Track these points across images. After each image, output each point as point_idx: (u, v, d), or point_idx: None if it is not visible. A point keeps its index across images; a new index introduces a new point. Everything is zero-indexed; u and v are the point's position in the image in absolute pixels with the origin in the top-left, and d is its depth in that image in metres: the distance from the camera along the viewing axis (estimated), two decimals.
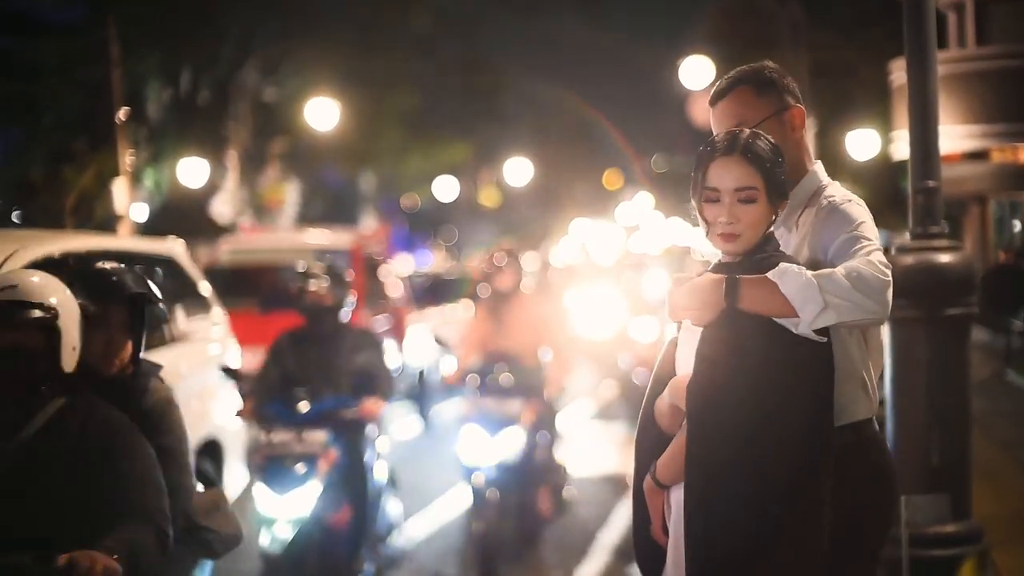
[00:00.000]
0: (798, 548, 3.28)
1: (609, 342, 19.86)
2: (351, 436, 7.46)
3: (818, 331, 3.31)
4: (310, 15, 31.13)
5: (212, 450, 8.41)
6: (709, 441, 3.32)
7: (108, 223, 20.63)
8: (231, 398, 8.18)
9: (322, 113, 28.23)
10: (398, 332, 16.01)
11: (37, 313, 3.83)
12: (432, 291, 22.12)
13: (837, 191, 3.68)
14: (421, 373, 16.73)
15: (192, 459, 7.78)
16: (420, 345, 16.80)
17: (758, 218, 3.43)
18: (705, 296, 3.39)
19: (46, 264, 6.78)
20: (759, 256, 3.45)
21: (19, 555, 3.59)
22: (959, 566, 6.14)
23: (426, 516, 10.17)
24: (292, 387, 7.42)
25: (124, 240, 9.60)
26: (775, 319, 3.32)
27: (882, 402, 6.46)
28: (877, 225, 3.61)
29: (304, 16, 30.89)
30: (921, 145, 6.37)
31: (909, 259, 6.31)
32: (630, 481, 3.83)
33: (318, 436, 7.22)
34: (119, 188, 20.15)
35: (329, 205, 38.67)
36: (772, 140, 3.52)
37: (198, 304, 9.09)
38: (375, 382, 7.51)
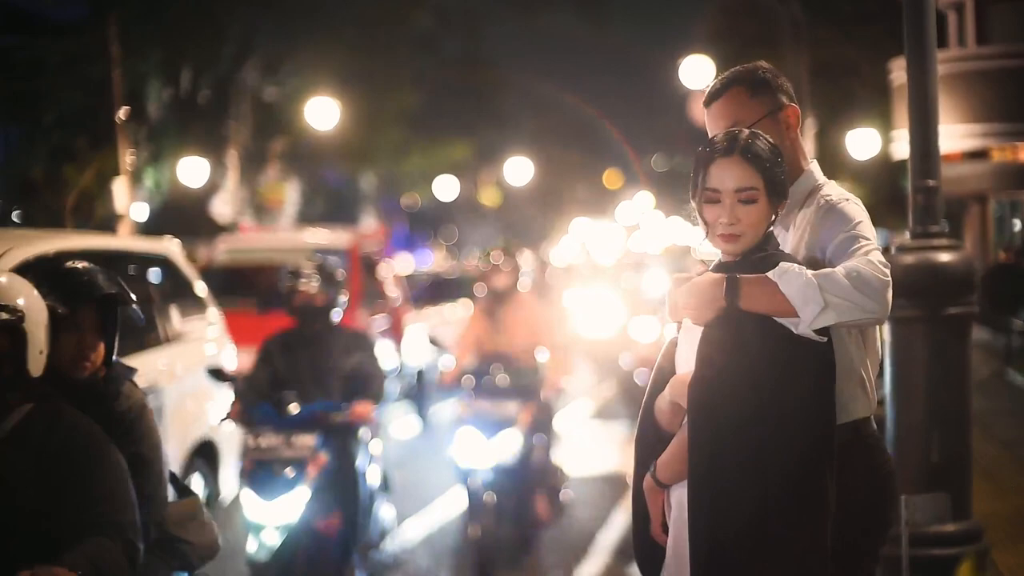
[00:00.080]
0: (802, 544, 3.29)
1: (609, 341, 19.88)
2: (342, 440, 7.27)
3: (818, 330, 3.32)
4: (310, 14, 31.11)
5: (207, 451, 8.40)
6: (711, 440, 3.33)
7: (108, 222, 20.64)
8: (222, 400, 8.06)
9: (322, 112, 28.23)
10: (396, 332, 15.96)
11: (2, 316, 3.69)
12: (432, 291, 22.11)
13: (833, 190, 3.68)
14: (419, 373, 16.70)
15: (173, 466, 7.78)
16: (418, 345, 16.78)
17: (759, 218, 3.44)
18: (705, 295, 3.40)
19: (39, 264, 6.70)
20: (759, 255, 3.45)
21: None
22: (958, 565, 6.14)
23: (422, 519, 10.07)
24: (281, 389, 7.22)
25: (118, 240, 9.56)
26: (775, 318, 3.32)
27: (882, 401, 6.49)
28: (877, 224, 3.62)
29: (305, 15, 30.88)
30: (921, 144, 6.38)
31: (909, 258, 6.32)
32: (630, 480, 3.83)
33: (307, 440, 7.02)
34: (119, 187, 20.17)
35: (329, 205, 38.67)
36: (771, 140, 3.52)
37: (194, 304, 9.03)
38: (367, 384, 7.33)
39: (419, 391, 16.52)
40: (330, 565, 7.20)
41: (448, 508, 10.31)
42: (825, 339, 3.34)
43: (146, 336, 7.99)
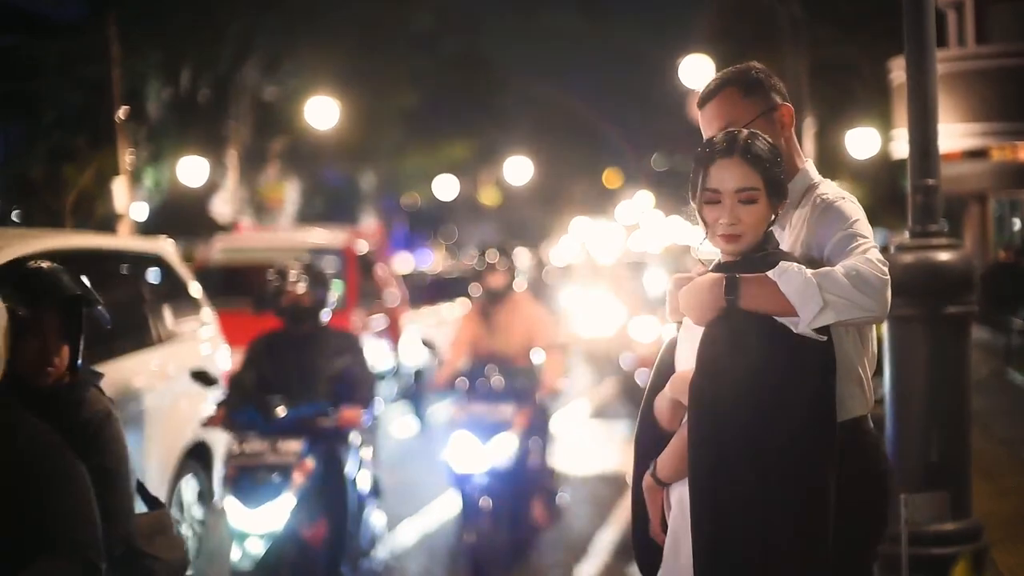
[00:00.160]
0: (804, 541, 3.30)
1: (608, 341, 19.87)
2: (330, 445, 7.08)
3: (819, 329, 3.32)
4: (310, 14, 31.11)
5: (201, 453, 8.35)
6: (712, 438, 3.34)
7: (108, 222, 20.62)
8: (207, 404, 7.90)
9: (322, 112, 28.22)
10: (393, 332, 15.89)
11: None
12: (431, 290, 22.08)
13: (829, 189, 3.69)
14: (417, 373, 16.66)
15: (167, 467, 7.71)
16: (416, 345, 16.73)
17: (759, 218, 3.45)
18: (706, 295, 3.41)
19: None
20: (759, 254, 3.46)
21: None
22: (954, 564, 6.14)
23: (417, 522, 9.94)
24: (268, 393, 7.02)
25: (111, 239, 9.53)
26: (776, 318, 3.32)
27: (881, 400, 6.49)
28: (876, 224, 3.63)
29: (304, 15, 30.88)
30: (920, 143, 6.38)
31: (908, 257, 6.32)
32: (629, 480, 3.84)
33: (293, 445, 6.83)
34: (119, 187, 20.14)
35: (329, 204, 38.66)
36: (770, 140, 3.53)
37: (187, 304, 8.95)
38: (356, 388, 7.17)
39: (417, 391, 16.47)
40: (317, 574, 7.00)
41: (443, 511, 10.16)
42: (825, 338, 3.35)
43: (139, 336, 7.97)
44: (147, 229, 22.78)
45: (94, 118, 21.33)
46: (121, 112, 20.13)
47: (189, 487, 8.25)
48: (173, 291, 8.80)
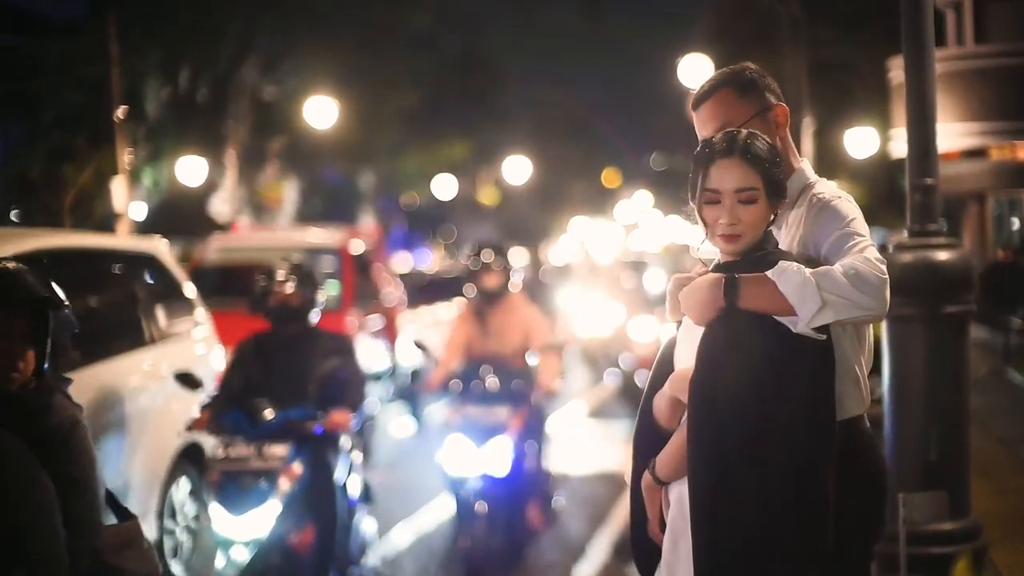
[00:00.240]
0: (804, 540, 3.31)
1: (606, 341, 19.85)
2: (317, 449, 6.88)
3: (818, 328, 3.33)
4: (309, 13, 31.11)
5: (195, 455, 8.27)
6: (711, 437, 3.35)
7: (107, 221, 20.63)
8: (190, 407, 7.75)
9: (321, 111, 28.21)
10: (390, 332, 15.82)
11: None
12: (429, 290, 22.04)
13: (825, 188, 3.70)
14: (414, 373, 16.62)
15: (159, 470, 7.63)
16: (408, 346, 16.63)
17: (758, 218, 3.46)
18: (705, 295, 3.42)
19: (21, 262, 6.76)
20: (758, 254, 3.47)
21: None
22: (954, 563, 6.15)
23: (411, 525, 9.80)
24: (255, 396, 6.84)
25: (103, 238, 9.43)
26: (775, 317, 3.33)
27: (880, 400, 6.50)
28: (875, 223, 3.64)
29: (303, 14, 30.87)
30: (919, 143, 6.38)
31: (907, 257, 6.32)
32: (628, 479, 3.84)
33: (279, 450, 6.65)
34: (118, 186, 20.15)
35: (328, 203, 38.66)
36: (768, 140, 3.54)
37: (181, 304, 8.86)
38: (345, 391, 6.96)
39: (413, 391, 16.44)
40: None
41: (438, 513, 10.03)
42: (824, 336, 3.36)
43: (131, 337, 7.91)
44: (146, 228, 22.77)
45: (93, 118, 21.34)
46: (120, 112, 20.14)
47: (183, 489, 8.19)
48: (166, 291, 8.71)
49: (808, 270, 3.33)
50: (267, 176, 33.05)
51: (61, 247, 7.39)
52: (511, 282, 9.14)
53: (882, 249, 3.66)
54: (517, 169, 53.48)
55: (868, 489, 3.62)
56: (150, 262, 8.65)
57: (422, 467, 11.95)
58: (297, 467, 6.71)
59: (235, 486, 6.56)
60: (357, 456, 7.48)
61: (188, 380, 7.13)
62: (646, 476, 3.64)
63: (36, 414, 3.90)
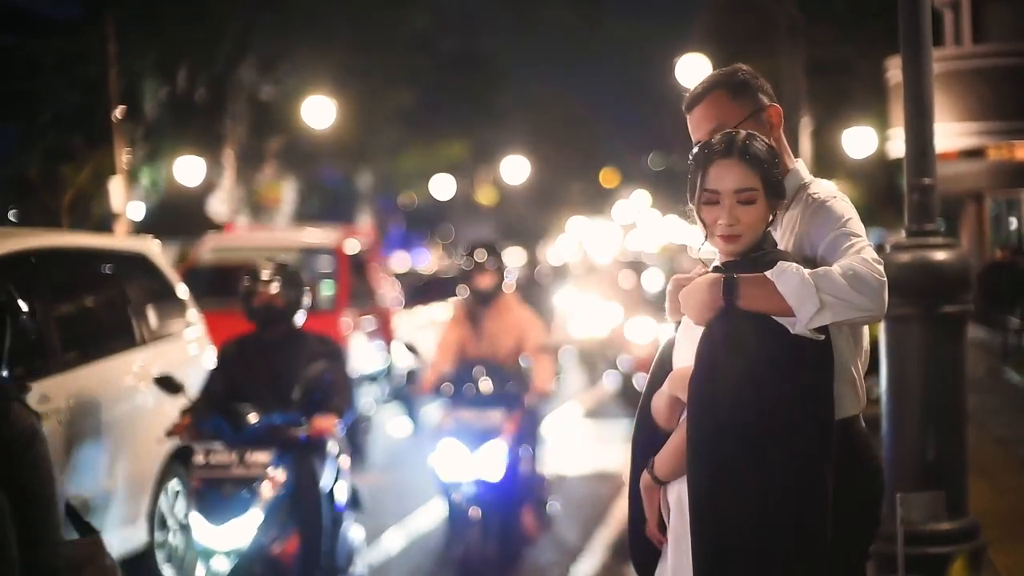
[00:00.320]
0: (803, 539, 3.32)
1: (602, 341, 19.84)
2: (302, 456, 6.63)
3: (817, 328, 3.34)
4: (307, 13, 31.11)
5: (186, 457, 8.04)
6: (710, 436, 3.35)
7: (105, 221, 20.63)
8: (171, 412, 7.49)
9: (319, 111, 28.21)
10: (385, 332, 15.72)
11: None
12: (426, 290, 21.99)
13: (820, 188, 3.70)
14: (410, 374, 16.56)
15: (151, 472, 7.52)
16: (399, 348, 16.46)
17: (757, 218, 3.46)
18: (704, 295, 3.42)
19: (9, 262, 6.60)
20: (757, 254, 3.47)
21: None
22: (950, 563, 6.15)
23: (403, 529, 9.68)
24: (237, 400, 6.63)
25: (93, 238, 9.30)
26: (774, 317, 3.34)
27: (877, 399, 6.50)
28: (873, 223, 3.64)
29: (301, 14, 30.88)
30: (917, 142, 6.38)
31: (905, 256, 6.32)
32: (626, 479, 3.85)
33: (262, 457, 6.42)
34: (116, 186, 20.16)
35: (326, 203, 38.67)
36: (767, 140, 3.54)
37: (173, 304, 8.74)
38: (331, 395, 6.73)
39: (409, 392, 16.37)
40: None
41: (431, 516, 9.90)
42: (823, 337, 3.37)
43: (122, 337, 7.83)
44: (144, 228, 22.76)
45: (91, 117, 21.37)
46: (118, 111, 20.15)
47: (174, 491, 8.09)
48: (158, 291, 8.59)
49: (807, 271, 3.33)
50: (265, 176, 33.06)
51: (50, 247, 7.31)
52: (504, 283, 8.96)
53: (879, 249, 3.67)
54: (515, 169, 53.48)
55: (864, 489, 3.62)
56: (141, 262, 8.53)
57: (417, 469, 11.91)
58: (280, 474, 6.50)
59: (216, 494, 6.35)
60: (345, 461, 7.23)
61: (168, 384, 6.81)
62: (645, 476, 3.64)
63: None
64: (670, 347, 3.71)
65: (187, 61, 27.22)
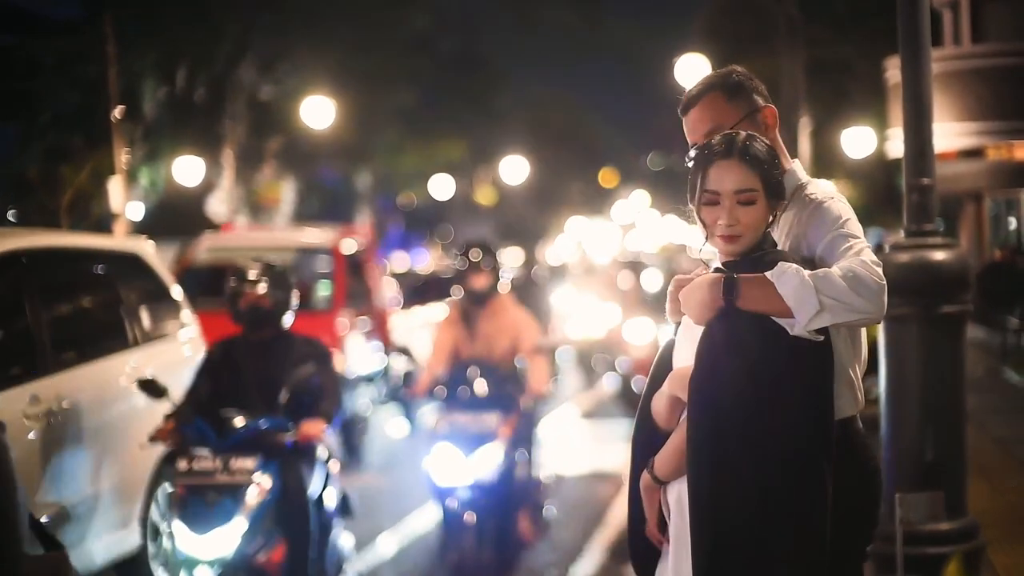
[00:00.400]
0: (803, 539, 3.32)
1: (600, 342, 19.84)
2: (288, 461, 6.45)
3: (817, 329, 3.34)
4: (306, 13, 31.12)
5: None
6: (710, 436, 3.36)
7: (104, 221, 20.64)
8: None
9: (318, 111, 28.22)
10: (382, 333, 15.62)
11: None
12: (425, 290, 21.96)
13: (817, 189, 3.70)
14: (407, 375, 16.48)
15: (144, 475, 7.36)
16: (389, 352, 16.31)
17: (757, 219, 3.47)
18: (705, 295, 3.43)
19: None
20: (756, 255, 3.48)
21: None
22: (946, 563, 6.14)
23: (396, 534, 9.57)
24: (223, 404, 6.48)
25: (85, 238, 9.19)
26: (774, 318, 3.35)
27: (876, 400, 6.50)
28: (872, 223, 3.64)
29: (300, 14, 30.89)
30: (915, 142, 6.38)
31: (903, 256, 6.32)
32: (626, 479, 3.85)
33: (247, 463, 6.23)
34: (115, 186, 20.16)
35: (325, 203, 38.67)
36: (767, 142, 3.55)
37: (167, 305, 8.59)
38: (319, 399, 6.60)
39: (405, 394, 16.25)
40: None
41: (426, 521, 9.75)
42: (822, 338, 3.37)
43: (115, 339, 7.72)
44: (143, 228, 22.78)
45: (90, 117, 21.39)
46: (117, 111, 20.16)
47: (167, 495, 7.85)
48: (152, 292, 8.46)
49: (807, 272, 3.33)
50: (264, 176, 33.06)
51: (41, 247, 7.21)
52: (500, 283, 8.81)
53: (878, 249, 3.67)
54: (514, 169, 53.49)
55: (862, 490, 3.63)
56: (135, 262, 8.40)
57: (413, 471, 11.86)
58: (266, 481, 6.32)
59: (199, 502, 6.18)
60: (335, 466, 7.06)
61: (151, 388, 6.65)
62: (645, 476, 3.64)
63: None
64: (670, 348, 3.72)
65: (186, 61, 27.24)
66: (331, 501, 6.91)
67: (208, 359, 6.88)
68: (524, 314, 8.86)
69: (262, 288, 6.69)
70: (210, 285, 13.21)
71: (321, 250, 14.73)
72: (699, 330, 3.47)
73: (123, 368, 7.56)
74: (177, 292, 8.85)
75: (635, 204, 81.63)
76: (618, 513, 10.09)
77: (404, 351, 9.61)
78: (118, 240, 9.22)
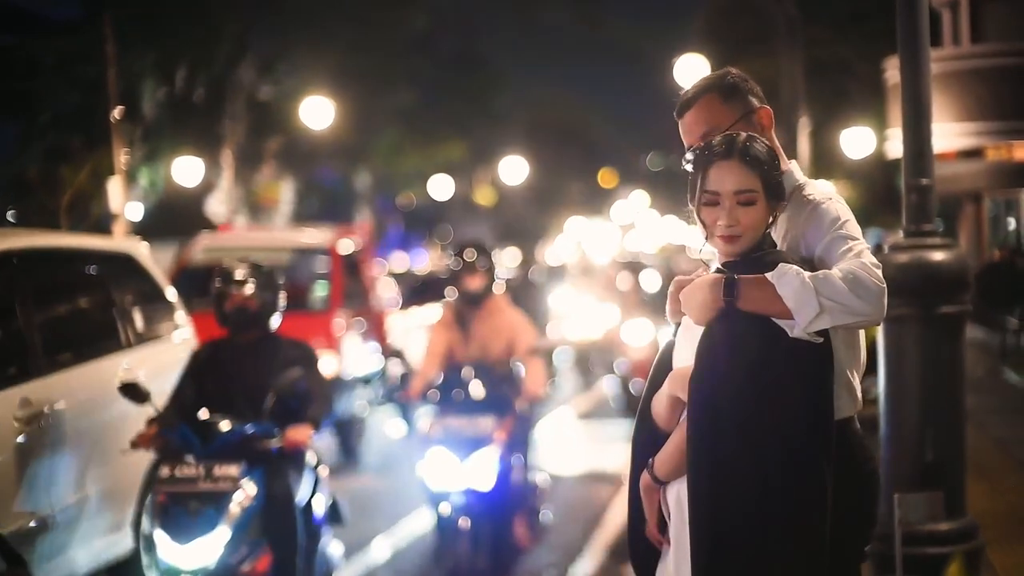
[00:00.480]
0: (802, 540, 3.33)
1: (597, 343, 19.84)
2: (275, 468, 6.26)
3: (816, 331, 3.35)
4: (306, 13, 31.14)
5: None
6: (710, 438, 3.36)
7: (104, 222, 20.63)
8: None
9: (317, 112, 28.23)
10: (379, 333, 15.48)
11: None
12: (424, 290, 21.93)
13: (815, 190, 3.71)
14: (404, 376, 16.41)
15: (136, 477, 7.25)
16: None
17: (757, 219, 3.48)
18: (705, 295, 3.44)
19: None
20: (756, 255, 3.48)
21: None
22: (947, 564, 6.14)
23: (390, 538, 9.51)
24: (207, 409, 6.29)
25: (76, 238, 9.07)
26: (774, 319, 3.35)
27: (875, 400, 6.50)
28: (871, 223, 3.64)
29: (300, 14, 30.91)
30: (914, 143, 6.38)
31: (902, 257, 6.32)
32: (626, 480, 3.85)
33: (231, 470, 6.03)
34: (114, 187, 20.15)
35: (324, 204, 38.68)
36: (767, 142, 3.56)
37: (160, 306, 8.50)
38: (306, 404, 6.40)
39: (400, 398, 16.15)
40: None
41: (421, 525, 9.65)
42: (822, 339, 3.37)
43: (107, 340, 7.62)
44: (142, 229, 22.76)
45: (90, 118, 21.38)
46: (117, 112, 20.15)
47: (149, 503, 7.94)
48: (145, 293, 8.35)
49: (808, 274, 3.34)
50: (263, 176, 33.08)
51: (32, 247, 7.15)
52: (495, 284, 8.62)
53: (878, 249, 3.67)
54: (513, 169, 53.50)
55: (860, 490, 3.63)
56: (127, 263, 8.29)
57: (411, 473, 11.83)
58: (251, 488, 6.12)
59: (181, 510, 5.97)
60: (324, 471, 6.86)
61: (133, 391, 6.36)
62: (645, 476, 3.65)
63: None
64: (670, 348, 3.72)
65: (186, 61, 27.22)
66: (320, 508, 6.75)
67: (193, 362, 6.69)
68: (519, 315, 8.69)
69: (249, 289, 6.51)
70: (206, 286, 13.13)
71: (317, 250, 14.66)
72: (699, 331, 3.47)
73: (116, 370, 7.37)
74: (171, 293, 8.73)
75: (634, 204, 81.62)
76: (617, 514, 10.09)
77: (397, 354, 9.32)
78: (111, 241, 9.10)
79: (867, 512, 3.69)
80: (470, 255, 8.36)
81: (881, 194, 27.52)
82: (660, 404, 3.62)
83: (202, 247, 14.87)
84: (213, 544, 5.93)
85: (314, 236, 15.70)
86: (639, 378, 14.49)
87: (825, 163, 27.96)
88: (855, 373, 3.66)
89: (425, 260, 43.96)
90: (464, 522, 7.73)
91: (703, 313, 3.45)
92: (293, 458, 6.41)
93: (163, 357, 8.12)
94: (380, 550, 9.20)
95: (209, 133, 28.26)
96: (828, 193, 3.68)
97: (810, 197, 3.65)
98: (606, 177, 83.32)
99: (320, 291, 14.37)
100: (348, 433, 13.29)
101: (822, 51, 27.76)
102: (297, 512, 6.36)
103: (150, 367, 7.71)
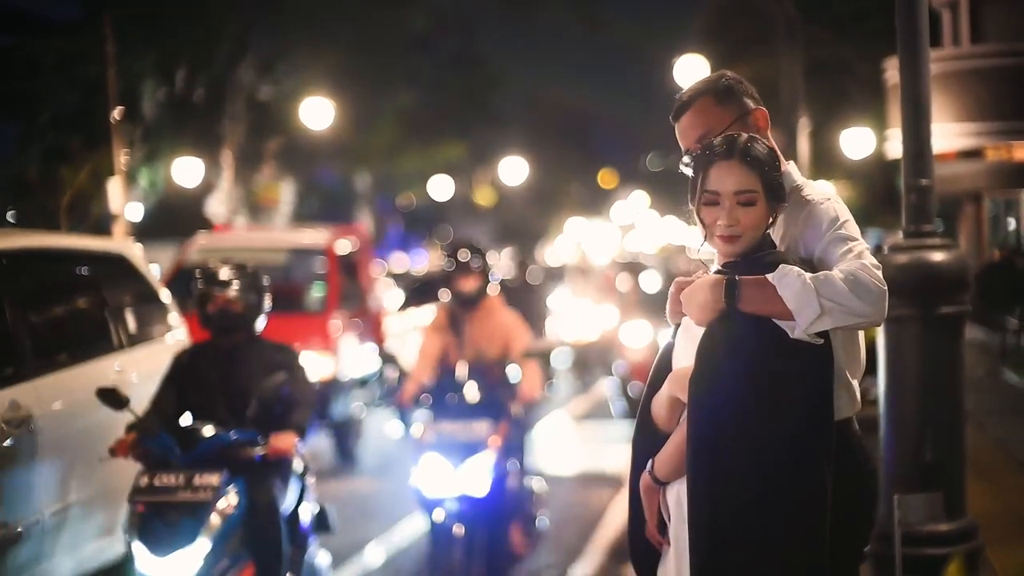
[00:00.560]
0: (802, 541, 3.33)
1: (596, 344, 19.82)
2: (257, 477, 6.06)
3: (816, 332, 3.35)
4: (306, 14, 31.15)
5: None
6: (710, 439, 3.36)
7: (104, 222, 20.63)
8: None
9: (317, 112, 28.24)
10: (377, 334, 15.41)
11: None
12: (423, 290, 21.89)
13: (813, 190, 3.71)
14: (401, 377, 16.33)
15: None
16: (397, 351, 16.18)
17: (757, 220, 3.48)
18: (706, 296, 3.44)
19: None
20: (756, 255, 3.48)
21: None
22: (946, 565, 6.14)
23: (383, 543, 9.44)
24: (188, 416, 6.16)
25: (68, 239, 8.96)
26: (774, 320, 3.35)
27: (875, 401, 6.49)
28: (871, 223, 3.64)
29: (300, 14, 30.92)
30: (914, 143, 6.38)
31: (902, 257, 6.32)
32: (625, 481, 3.85)
33: (211, 479, 5.80)
34: (114, 187, 20.13)
35: (324, 204, 38.69)
36: (767, 143, 3.56)
37: (154, 308, 8.37)
38: (290, 411, 6.21)
39: (393, 402, 16.06)
40: None
41: (416, 529, 9.52)
42: (822, 340, 3.37)
43: (99, 342, 7.51)
44: (142, 229, 22.78)
45: (90, 118, 21.38)
46: (116, 112, 20.13)
47: (127, 512, 7.84)
48: (138, 294, 8.22)
49: (808, 275, 3.34)
50: (263, 177, 33.08)
51: (22, 248, 7.06)
52: (489, 285, 8.38)
53: (877, 250, 3.67)
54: (513, 170, 53.50)
55: (860, 490, 3.63)
56: (120, 264, 8.16)
57: (407, 476, 11.79)
58: (233, 498, 5.92)
59: (160, 521, 5.75)
60: (311, 479, 6.67)
61: (111, 397, 6.17)
62: (645, 476, 3.64)
63: None
64: (670, 349, 3.72)
65: (186, 62, 27.23)
66: (306, 517, 6.60)
67: (176, 366, 6.48)
68: (514, 317, 8.44)
69: (233, 291, 6.29)
70: None
71: (314, 251, 14.55)
72: (699, 331, 3.47)
73: (107, 372, 7.28)
74: (165, 294, 8.61)
75: (634, 205, 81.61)
76: (616, 515, 10.10)
77: (391, 358, 9.16)
78: (103, 241, 8.98)
79: (867, 513, 3.69)
80: (464, 255, 8.13)
81: (881, 194, 27.53)
82: (660, 405, 3.62)
83: (198, 247, 14.70)
84: (193, 556, 5.72)
85: (310, 236, 15.53)
86: (638, 380, 14.47)
87: (825, 163, 27.97)
88: (854, 374, 3.67)
89: (425, 261, 43.95)
90: (458, 529, 7.53)
91: (704, 314, 3.45)
92: (278, 466, 6.22)
93: (156, 359, 7.86)
94: (375, 555, 9.15)
95: (209, 133, 28.27)
96: (827, 193, 3.68)
97: (808, 198, 3.65)
98: (606, 178, 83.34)
99: (317, 292, 14.31)
100: (345, 435, 13.25)
101: (822, 51, 27.77)
102: (282, 522, 6.17)
103: (143, 369, 7.59)
